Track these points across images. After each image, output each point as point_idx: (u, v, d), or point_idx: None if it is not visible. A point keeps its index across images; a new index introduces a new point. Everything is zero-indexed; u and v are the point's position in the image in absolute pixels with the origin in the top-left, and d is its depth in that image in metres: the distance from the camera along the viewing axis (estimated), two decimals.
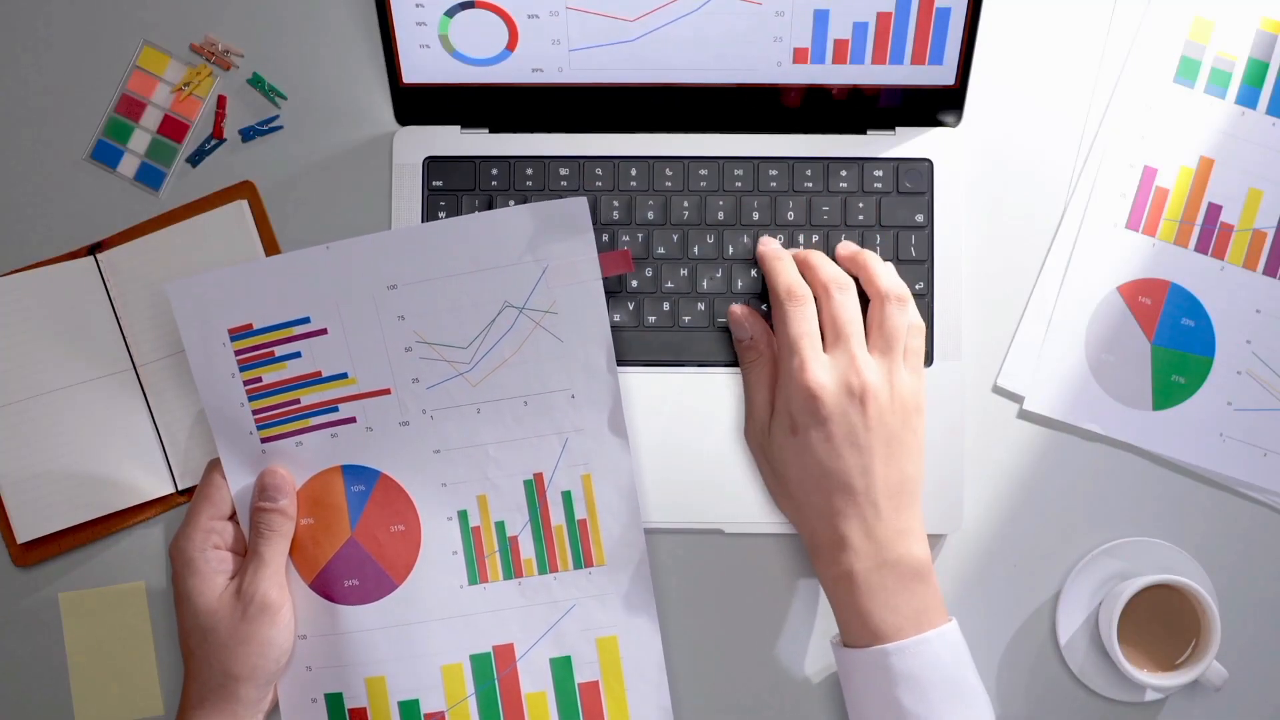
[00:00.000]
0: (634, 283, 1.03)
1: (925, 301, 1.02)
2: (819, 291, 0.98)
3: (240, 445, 0.99)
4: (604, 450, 0.99)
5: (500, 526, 0.99)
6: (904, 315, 0.98)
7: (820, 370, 0.95)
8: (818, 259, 1.00)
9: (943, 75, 1.01)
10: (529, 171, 1.03)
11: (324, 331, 0.98)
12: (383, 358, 0.98)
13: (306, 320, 0.98)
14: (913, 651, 0.92)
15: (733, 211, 1.03)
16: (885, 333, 0.97)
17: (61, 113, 1.05)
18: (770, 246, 1.02)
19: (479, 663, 0.99)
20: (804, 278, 0.99)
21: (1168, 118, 1.05)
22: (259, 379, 0.98)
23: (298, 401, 0.98)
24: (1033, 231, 1.05)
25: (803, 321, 0.97)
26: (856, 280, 0.99)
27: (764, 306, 1.02)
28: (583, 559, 0.99)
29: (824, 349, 0.97)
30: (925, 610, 0.93)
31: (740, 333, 1.01)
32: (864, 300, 0.99)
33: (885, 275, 0.99)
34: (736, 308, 1.01)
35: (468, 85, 1.02)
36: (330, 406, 0.98)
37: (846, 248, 1.01)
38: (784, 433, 0.96)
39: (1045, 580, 1.04)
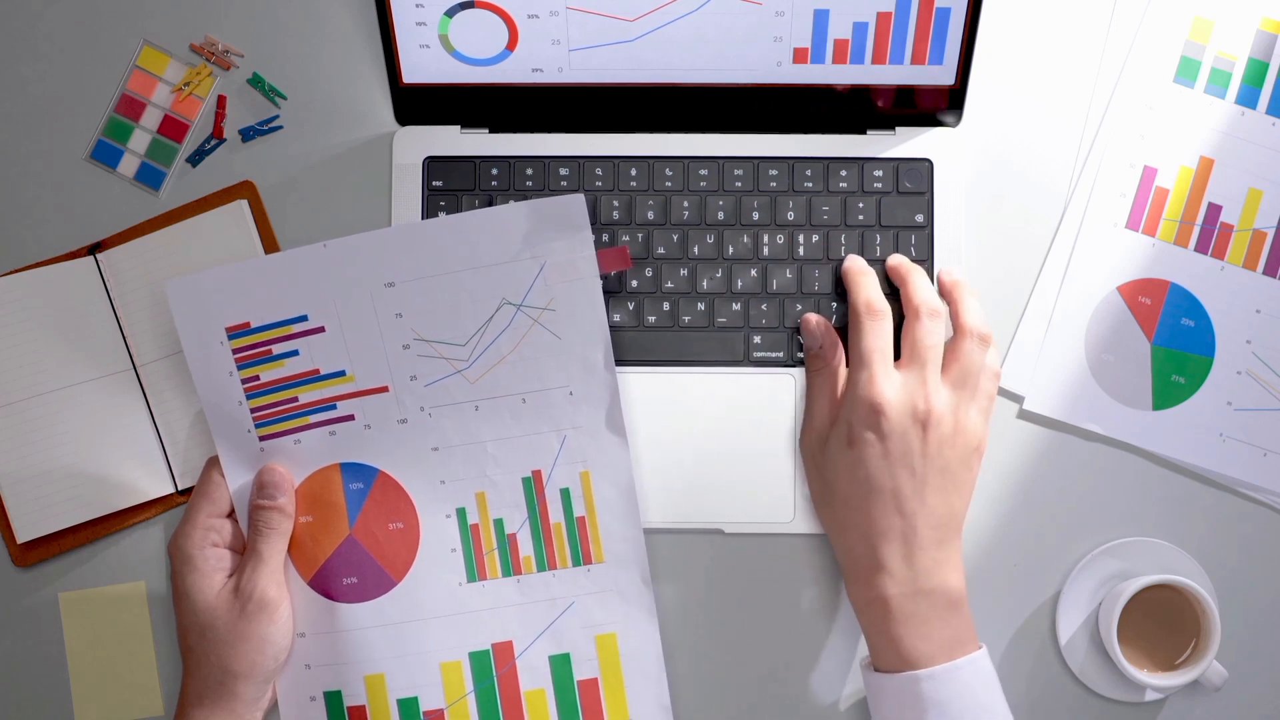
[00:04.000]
0: (634, 283, 1.03)
1: None
2: (910, 311, 0.98)
3: (239, 443, 0.99)
4: (602, 447, 0.99)
5: (499, 524, 0.99)
6: (984, 355, 0.97)
7: (889, 385, 0.94)
8: (918, 279, 0.99)
9: (943, 75, 1.01)
10: (529, 171, 1.04)
11: (322, 329, 0.98)
12: (381, 355, 0.98)
13: (304, 318, 0.98)
14: (944, 679, 0.91)
15: (733, 211, 1.03)
16: (963, 367, 0.96)
17: (61, 113, 1.06)
18: (857, 263, 1.01)
19: (478, 660, 0.99)
20: (901, 292, 0.99)
21: (1168, 118, 1.05)
22: (257, 377, 0.98)
23: (296, 399, 0.98)
24: (1033, 231, 1.05)
25: (879, 337, 0.96)
26: None
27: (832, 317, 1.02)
28: (581, 556, 0.99)
29: (897, 367, 0.96)
30: (958, 640, 0.93)
31: (810, 341, 1.00)
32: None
33: (974, 312, 0.98)
34: (811, 316, 1.01)
35: (468, 85, 1.02)
36: (328, 404, 0.98)
37: (949, 275, 1.01)
38: (841, 444, 0.96)
39: (1045, 580, 1.03)
